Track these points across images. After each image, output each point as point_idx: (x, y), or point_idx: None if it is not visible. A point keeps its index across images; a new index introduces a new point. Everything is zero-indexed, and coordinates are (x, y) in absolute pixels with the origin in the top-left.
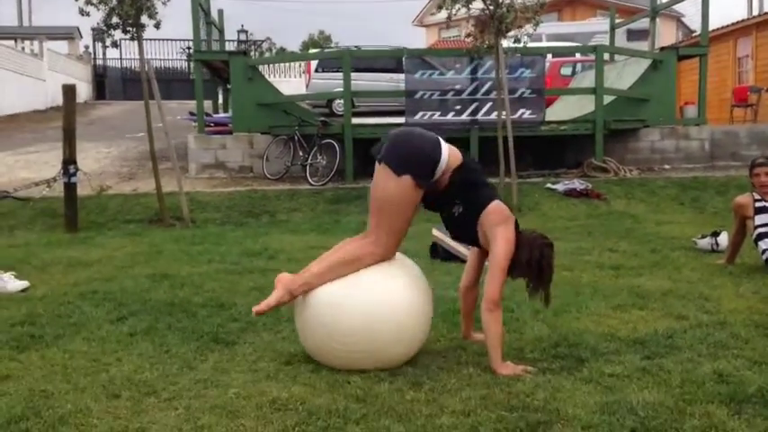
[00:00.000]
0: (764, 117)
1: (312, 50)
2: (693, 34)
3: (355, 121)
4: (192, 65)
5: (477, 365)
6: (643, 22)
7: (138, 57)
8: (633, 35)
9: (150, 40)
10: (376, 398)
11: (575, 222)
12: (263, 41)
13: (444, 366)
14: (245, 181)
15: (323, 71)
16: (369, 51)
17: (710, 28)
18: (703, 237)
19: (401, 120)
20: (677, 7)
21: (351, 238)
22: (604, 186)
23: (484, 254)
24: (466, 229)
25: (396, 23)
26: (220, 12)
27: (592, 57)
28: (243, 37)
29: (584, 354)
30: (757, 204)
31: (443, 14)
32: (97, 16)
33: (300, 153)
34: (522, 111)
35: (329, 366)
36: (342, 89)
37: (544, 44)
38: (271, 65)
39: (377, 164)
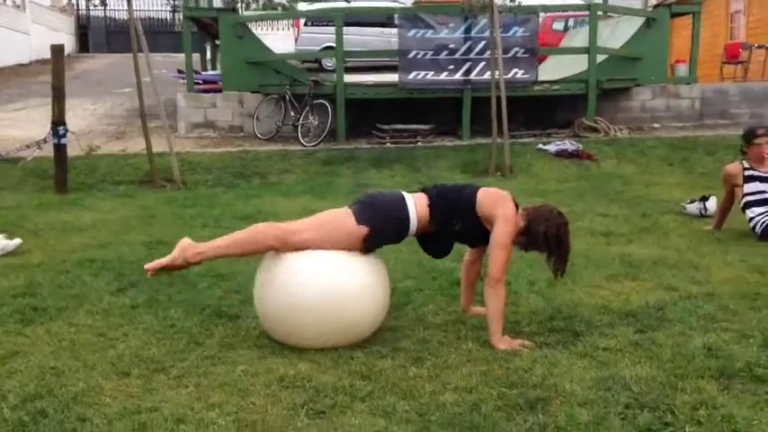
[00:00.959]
0: (755, 74)
1: (301, 4)
2: None
3: (346, 78)
4: (177, 17)
5: (476, 340)
6: None
7: (125, 8)
8: None
9: None
10: (380, 374)
11: (566, 185)
12: None
13: (444, 341)
14: (236, 141)
15: (312, 24)
16: (363, 8)
17: None
18: (692, 201)
19: (394, 77)
20: None
21: (262, 223)
22: (595, 146)
23: None
24: (476, 235)
25: None
26: None
27: (585, 12)
28: None
29: (578, 327)
30: (746, 173)
31: None
32: None
33: (292, 113)
34: (515, 71)
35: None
36: (331, 43)
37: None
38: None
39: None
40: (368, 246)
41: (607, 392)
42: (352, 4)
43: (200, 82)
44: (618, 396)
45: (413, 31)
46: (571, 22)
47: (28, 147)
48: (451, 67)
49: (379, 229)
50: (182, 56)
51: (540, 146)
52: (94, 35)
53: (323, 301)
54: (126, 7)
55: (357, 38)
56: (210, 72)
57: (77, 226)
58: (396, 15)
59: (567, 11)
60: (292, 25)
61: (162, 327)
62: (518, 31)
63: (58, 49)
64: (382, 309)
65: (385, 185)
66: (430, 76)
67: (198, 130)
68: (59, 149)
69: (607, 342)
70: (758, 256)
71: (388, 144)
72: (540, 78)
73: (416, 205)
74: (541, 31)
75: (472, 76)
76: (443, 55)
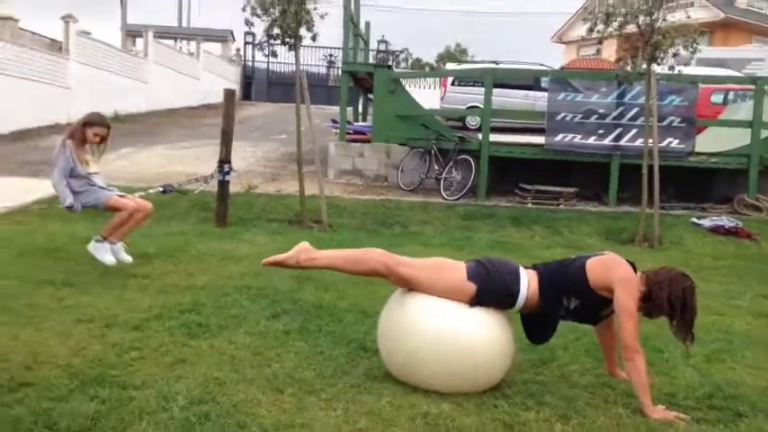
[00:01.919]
0: None
1: (449, 64)
2: None
3: (491, 138)
4: (331, 71)
5: (626, 406)
6: None
7: (287, 62)
8: None
9: None
10: (524, 425)
11: (721, 262)
12: (400, 52)
13: (591, 402)
14: (380, 190)
15: (458, 84)
16: (512, 71)
17: None
18: None
19: (540, 139)
20: None
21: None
22: (756, 226)
23: None
24: (596, 310)
25: (534, 38)
26: (367, 24)
27: (747, 86)
28: (382, 47)
29: (741, 408)
30: None
31: (585, 30)
32: (259, 26)
33: (435, 166)
34: (669, 139)
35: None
36: (476, 103)
37: (694, 69)
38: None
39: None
40: (470, 305)
41: None
42: (501, 66)
43: (351, 132)
44: None
45: (562, 94)
46: (731, 96)
47: (197, 180)
48: (601, 131)
49: (486, 292)
50: (333, 108)
51: (694, 219)
52: (257, 85)
53: (445, 345)
54: (287, 61)
55: (501, 99)
56: (361, 123)
57: (235, 256)
58: (545, 78)
59: (728, 83)
60: (440, 84)
61: (312, 353)
62: (674, 100)
63: (229, 94)
64: (507, 357)
65: (524, 245)
66: (578, 139)
67: (346, 176)
68: (223, 186)
69: None
70: None
71: (530, 204)
72: (697, 150)
73: (529, 282)
74: (699, 103)
75: (622, 142)
76: (593, 119)
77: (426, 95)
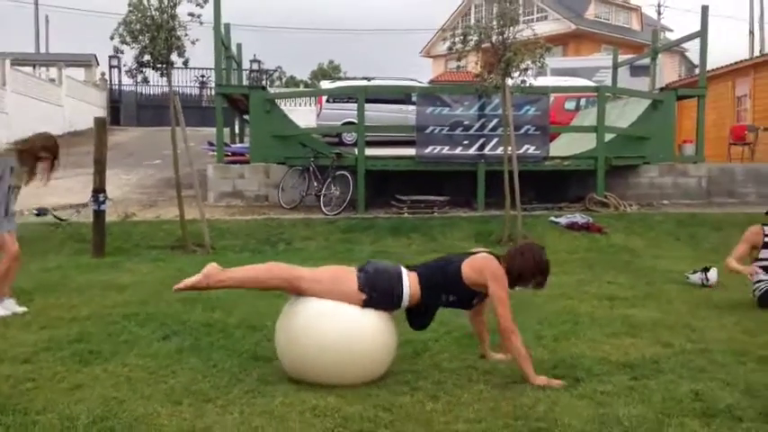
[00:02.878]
0: (761, 156)
1: (324, 81)
2: (695, 71)
3: (366, 152)
4: (204, 92)
5: (486, 383)
6: (646, 60)
7: (156, 84)
8: (636, 71)
9: None
10: (400, 408)
11: (576, 255)
12: (273, 71)
13: (458, 383)
14: (261, 209)
15: (333, 101)
16: (383, 87)
17: (711, 66)
18: (695, 272)
19: (411, 151)
20: None
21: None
22: (605, 220)
23: None
24: (467, 303)
25: (404, 54)
26: (239, 46)
27: (594, 93)
28: (255, 66)
29: (579, 374)
30: (766, 239)
31: (447, 46)
32: (129, 53)
33: (315, 183)
34: (526, 146)
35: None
36: (351, 118)
37: (549, 78)
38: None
39: (357, 270)
40: (364, 308)
41: (602, 426)
42: (373, 83)
43: (229, 154)
44: (611, 429)
45: (430, 108)
46: (583, 102)
47: (71, 207)
48: (466, 142)
49: (375, 298)
50: (207, 129)
51: (552, 218)
52: (126, 109)
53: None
54: (157, 83)
55: (376, 113)
56: (239, 145)
57: (117, 285)
58: (415, 94)
59: (576, 92)
60: (315, 102)
61: (206, 367)
62: (530, 110)
63: (101, 122)
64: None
65: (403, 253)
66: (446, 150)
67: (226, 199)
68: (98, 215)
69: (604, 387)
70: (752, 321)
71: (406, 214)
72: (552, 155)
73: (411, 283)
74: (554, 110)
75: (486, 151)
76: (458, 131)
77: (302, 113)
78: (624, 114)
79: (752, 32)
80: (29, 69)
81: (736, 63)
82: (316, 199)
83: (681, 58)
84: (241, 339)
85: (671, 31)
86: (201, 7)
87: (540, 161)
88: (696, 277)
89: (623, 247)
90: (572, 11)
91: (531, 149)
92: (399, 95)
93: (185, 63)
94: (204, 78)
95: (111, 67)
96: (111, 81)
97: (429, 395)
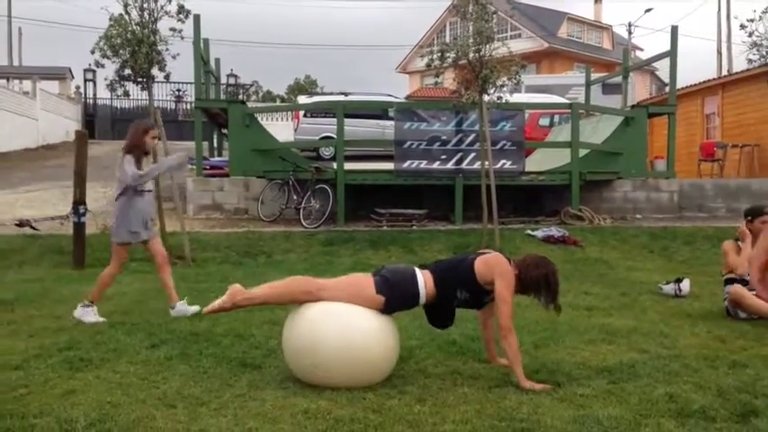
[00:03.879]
0: (730, 171)
1: (301, 96)
2: (666, 89)
3: (346, 166)
4: (180, 106)
5: (471, 386)
6: (617, 78)
7: (133, 98)
8: (608, 89)
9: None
10: (389, 410)
11: None
12: (250, 85)
13: (443, 387)
14: (241, 222)
15: (311, 116)
16: (361, 102)
17: (681, 84)
18: (668, 283)
19: (389, 165)
20: None
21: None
22: (580, 233)
23: None
24: (479, 300)
25: (379, 69)
26: (217, 60)
27: (568, 110)
28: (232, 81)
29: (560, 379)
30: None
31: (425, 62)
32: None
33: (294, 197)
34: (503, 161)
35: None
36: (329, 132)
37: (523, 95)
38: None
39: (372, 275)
40: (385, 311)
41: (582, 426)
42: (350, 98)
43: (208, 167)
44: (591, 429)
45: (408, 123)
46: (557, 118)
47: (53, 219)
48: (444, 156)
49: (394, 298)
50: (184, 143)
51: (529, 231)
52: (101, 122)
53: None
54: (133, 97)
55: (353, 128)
56: (217, 158)
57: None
58: (391, 108)
59: (551, 108)
60: (293, 117)
61: (196, 373)
62: (506, 126)
63: (81, 135)
64: (394, 352)
65: (382, 266)
66: (424, 164)
67: (206, 211)
68: (78, 227)
69: (584, 390)
70: (723, 329)
71: (385, 227)
72: (528, 169)
73: (425, 281)
74: (529, 126)
75: (463, 166)
76: (436, 145)
77: (280, 128)
78: (597, 131)
79: (720, 52)
80: (2, 82)
81: (704, 82)
82: (295, 212)
83: (651, 76)
84: (229, 347)
85: (641, 50)
86: (183, 22)
87: (516, 176)
88: (669, 288)
89: (598, 259)
90: (545, 29)
91: (508, 164)
92: (376, 111)
93: (166, 77)
94: (180, 92)
95: (86, 80)
96: (85, 94)
97: (416, 398)
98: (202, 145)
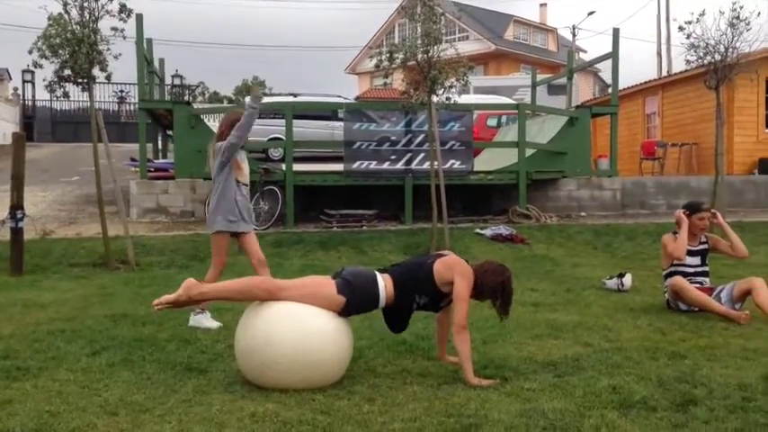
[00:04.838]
0: (670, 169)
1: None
2: (608, 90)
3: (294, 167)
4: (122, 107)
5: (420, 384)
6: (562, 79)
7: (73, 99)
8: (553, 90)
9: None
10: (338, 411)
11: None
12: (196, 86)
13: (392, 386)
14: (188, 225)
15: (259, 117)
16: (310, 103)
17: (623, 85)
18: (611, 278)
19: (339, 166)
20: None
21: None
22: (527, 232)
23: None
24: (438, 301)
25: (329, 70)
26: (161, 60)
27: (514, 111)
28: (177, 81)
29: (507, 374)
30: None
31: (374, 63)
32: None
33: None
34: (452, 161)
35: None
36: (278, 134)
37: (472, 96)
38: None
39: (332, 278)
40: (344, 314)
41: (528, 420)
42: (299, 99)
43: (153, 169)
44: (537, 422)
45: (357, 124)
46: (504, 119)
47: None
48: (393, 157)
49: (354, 301)
50: (127, 145)
51: (478, 230)
52: (40, 124)
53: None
54: (74, 98)
55: (302, 129)
56: (162, 160)
57: (39, 303)
58: (341, 109)
59: (498, 109)
60: None
61: (139, 379)
62: (455, 126)
63: (18, 137)
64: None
65: (332, 266)
66: (373, 165)
67: (150, 215)
68: (16, 233)
69: (530, 384)
70: (663, 321)
71: (335, 228)
72: (477, 169)
73: (386, 285)
74: (477, 126)
75: (413, 166)
76: (386, 146)
77: None
78: (543, 131)
79: (659, 54)
80: None
81: (645, 82)
82: None
83: (595, 77)
84: (174, 352)
85: (585, 52)
86: (125, 22)
87: (465, 175)
88: (612, 283)
89: (545, 256)
90: (492, 32)
91: (457, 164)
92: (326, 112)
93: (108, 78)
94: (123, 93)
95: (24, 81)
96: (24, 96)
97: (365, 398)
98: (146, 147)
